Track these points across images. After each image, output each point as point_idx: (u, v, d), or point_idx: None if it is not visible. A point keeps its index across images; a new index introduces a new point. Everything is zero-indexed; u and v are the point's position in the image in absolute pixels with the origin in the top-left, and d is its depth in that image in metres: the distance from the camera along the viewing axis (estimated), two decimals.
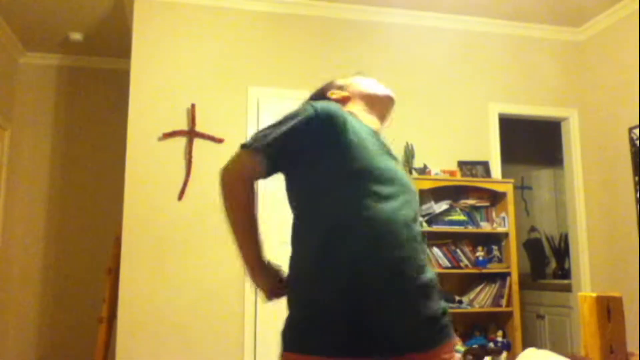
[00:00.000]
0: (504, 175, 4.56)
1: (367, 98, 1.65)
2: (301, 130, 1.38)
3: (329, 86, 1.72)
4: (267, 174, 1.42)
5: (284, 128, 1.39)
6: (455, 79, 4.61)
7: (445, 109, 4.54)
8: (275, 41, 4.31)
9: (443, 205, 4.19)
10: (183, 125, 4.05)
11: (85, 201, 5.11)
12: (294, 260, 1.42)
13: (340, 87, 1.69)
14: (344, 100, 1.63)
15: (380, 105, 1.68)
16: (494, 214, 4.33)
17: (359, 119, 1.53)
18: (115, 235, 4.02)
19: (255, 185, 1.44)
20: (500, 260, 4.27)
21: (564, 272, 5.31)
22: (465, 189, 4.32)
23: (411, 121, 4.43)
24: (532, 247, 5.71)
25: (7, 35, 4.74)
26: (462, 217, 4.24)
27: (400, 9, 4.48)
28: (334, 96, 1.65)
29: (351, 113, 1.52)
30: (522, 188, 5.86)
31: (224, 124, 4.12)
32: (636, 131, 4.26)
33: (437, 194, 4.19)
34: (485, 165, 4.46)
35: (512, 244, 4.22)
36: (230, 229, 1.43)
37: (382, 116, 1.68)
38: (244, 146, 1.42)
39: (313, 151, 1.38)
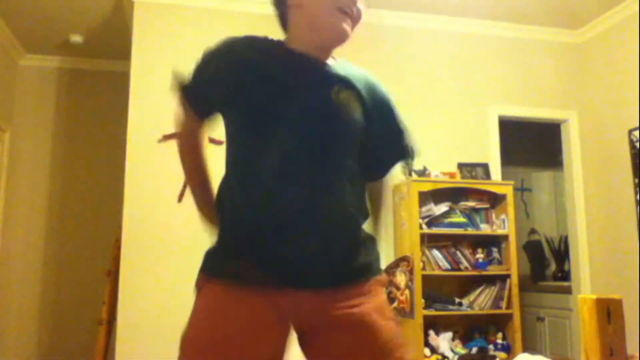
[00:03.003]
0: (503, 177, 4.56)
1: (309, 18, 1.42)
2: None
3: None
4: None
5: None
6: (455, 81, 4.61)
7: (445, 111, 4.54)
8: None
9: (443, 208, 4.19)
10: None
11: (85, 203, 5.11)
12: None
13: None
14: (292, 7, 1.47)
15: (322, 38, 1.42)
16: (493, 216, 4.32)
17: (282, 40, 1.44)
18: (115, 237, 4.02)
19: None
20: (500, 263, 4.26)
21: (564, 275, 5.31)
22: (465, 191, 4.31)
23: (411, 123, 4.40)
24: (532, 249, 5.71)
25: (7, 37, 4.74)
26: (461, 219, 4.24)
27: (400, 12, 4.48)
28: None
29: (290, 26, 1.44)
30: (522, 190, 5.87)
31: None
32: (636, 133, 4.26)
33: (437, 196, 4.18)
34: (485, 167, 4.46)
35: (512, 246, 4.22)
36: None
37: (321, 48, 1.44)
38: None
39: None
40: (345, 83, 1.41)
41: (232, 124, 1.43)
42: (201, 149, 1.64)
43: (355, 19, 1.45)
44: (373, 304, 1.34)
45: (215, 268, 1.39)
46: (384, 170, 1.56)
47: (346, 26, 1.40)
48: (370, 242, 1.43)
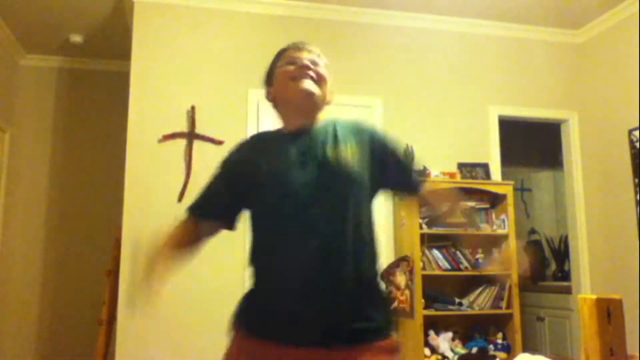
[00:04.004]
0: (503, 177, 4.56)
1: (281, 99, 1.56)
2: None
3: (272, 69, 1.64)
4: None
5: None
6: (455, 81, 4.61)
7: (445, 111, 4.54)
8: (275, 43, 4.27)
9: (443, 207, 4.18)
10: (183, 127, 4.05)
11: (85, 203, 5.11)
12: None
13: (270, 79, 1.62)
14: (273, 101, 1.62)
15: (295, 106, 1.53)
16: (493, 216, 4.32)
17: (275, 129, 1.59)
18: (115, 237, 4.02)
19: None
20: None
21: (564, 274, 5.31)
22: (465, 191, 4.31)
23: (411, 123, 4.43)
24: (532, 249, 5.71)
25: (7, 37, 4.74)
26: (462, 219, 4.23)
27: (399, 12, 4.48)
28: (266, 97, 1.65)
29: (278, 116, 1.60)
30: (522, 190, 5.87)
31: (224, 126, 4.12)
32: (636, 133, 4.26)
33: None
34: (485, 167, 4.46)
35: (512, 246, 4.22)
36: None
37: (303, 116, 1.53)
38: None
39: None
40: (333, 131, 1.51)
41: (249, 209, 1.57)
42: (185, 247, 1.76)
43: (319, 77, 1.53)
44: None
45: (243, 318, 1.51)
46: (401, 193, 1.68)
47: (306, 86, 1.49)
48: (383, 303, 1.49)
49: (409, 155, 1.66)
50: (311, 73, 1.51)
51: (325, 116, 1.58)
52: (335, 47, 4.40)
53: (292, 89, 1.50)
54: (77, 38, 4.80)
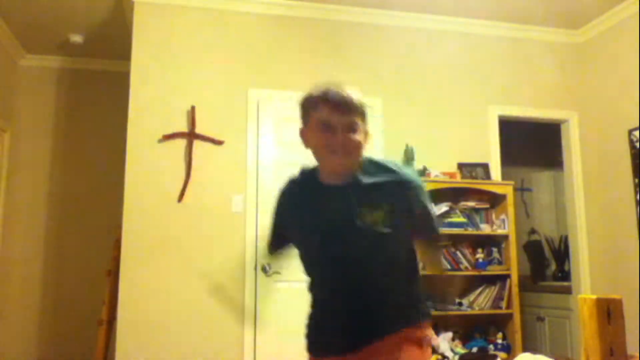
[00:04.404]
0: (503, 177, 4.56)
1: (316, 157, 1.66)
2: None
3: (306, 110, 1.66)
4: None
5: None
6: (455, 81, 4.61)
7: (445, 111, 4.54)
8: (275, 43, 4.32)
9: (443, 207, 4.19)
10: (183, 127, 4.05)
11: (85, 203, 5.11)
12: None
13: (305, 119, 1.67)
14: (306, 144, 1.70)
15: (328, 171, 1.64)
16: (493, 216, 4.33)
17: (311, 174, 1.72)
18: (115, 237, 4.02)
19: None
20: (500, 263, 4.27)
21: (564, 275, 5.31)
22: (465, 191, 4.31)
23: (411, 123, 4.43)
24: (532, 249, 5.71)
25: (7, 37, 4.74)
26: (462, 219, 4.24)
27: (400, 12, 4.48)
28: (300, 134, 1.71)
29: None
30: (522, 190, 5.86)
31: (224, 125, 4.12)
32: (636, 133, 4.26)
33: (437, 196, 4.18)
34: (485, 167, 4.46)
35: (512, 246, 4.22)
36: None
37: (334, 177, 1.63)
38: None
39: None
40: (366, 190, 1.61)
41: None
42: None
43: (353, 147, 1.59)
44: None
45: (307, 340, 1.76)
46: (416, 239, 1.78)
47: (339, 161, 1.59)
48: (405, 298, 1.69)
49: (426, 213, 1.75)
50: (347, 149, 1.57)
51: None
52: (334, 47, 4.40)
53: (326, 158, 1.60)
54: (77, 38, 4.80)
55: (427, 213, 1.72)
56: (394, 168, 1.64)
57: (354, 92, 1.60)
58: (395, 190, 1.61)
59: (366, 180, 1.61)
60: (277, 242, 1.87)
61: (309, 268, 1.72)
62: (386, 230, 1.57)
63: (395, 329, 1.62)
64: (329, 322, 1.68)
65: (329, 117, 1.56)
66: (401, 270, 1.67)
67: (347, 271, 1.62)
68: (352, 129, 1.57)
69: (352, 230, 1.58)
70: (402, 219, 1.61)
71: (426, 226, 1.74)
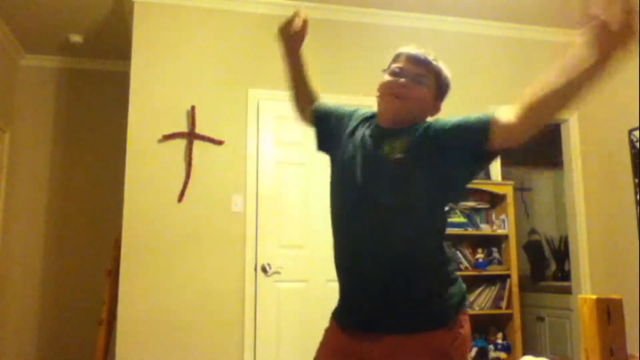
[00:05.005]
0: (503, 177, 4.56)
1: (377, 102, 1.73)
2: None
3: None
4: None
5: None
6: (455, 81, 4.57)
7: (444, 111, 4.52)
8: (275, 43, 4.30)
9: None
10: (183, 127, 4.05)
11: (85, 203, 5.11)
12: None
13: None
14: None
15: (379, 101, 1.71)
16: (493, 216, 4.33)
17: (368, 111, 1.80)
18: (115, 237, 4.02)
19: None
20: (500, 263, 4.27)
21: (564, 275, 5.31)
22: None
23: None
24: (532, 249, 5.71)
25: (7, 37, 4.74)
26: (461, 219, 4.24)
27: (399, 12, 4.48)
28: None
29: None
30: (522, 190, 5.86)
31: (224, 125, 4.12)
32: (636, 133, 4.26)
33: None
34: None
35: (512, 246, 4.22)
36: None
37: (381, 109, 1.69)
38: None
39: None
40: (406, 137, 1.58)
41: (330, 166, 1.78)
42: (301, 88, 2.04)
43: (403, 93, 1.63)
44: None
45: (335, 308, 1.68)
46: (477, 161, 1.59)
47: (389, 101, 1.65)
48: (439, 291, 1.56)
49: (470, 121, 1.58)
50: (404, 94, 1.63)
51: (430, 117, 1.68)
52: (334, 47, 4.40)
53: (382, 99, 1.68)
54: (77, 38, 4.80)
55: (466, 121, 1.56)
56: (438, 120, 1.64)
57: (438, 60, 1.73)
58: (421, 129, 1.60)
59: (415, 130, 1.59)
60: (319, 114, 1.87)
61: (332, 202, 1.68)
62: (400, 155, 1.53)
63: (417, 327, 1.48)
64: (345, 285, 1.62)
65: (403, 64, 1.69)
66: (425, 235, 1.55)
67: (361, 227, 1.55)
68: (419, 80, 1.65)
69: (373, 164, 1.58)
70: (429, 157, 1.52)
71: (464, 130, 1.53)
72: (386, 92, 1.65)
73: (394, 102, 1.63)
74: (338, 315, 1.64)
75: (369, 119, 1.75)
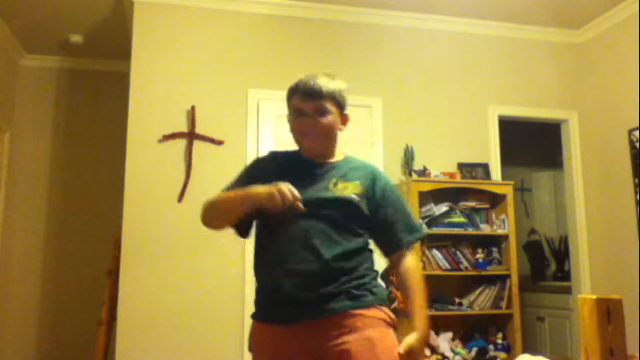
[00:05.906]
0: (503, 177, 4.56)
1: (295, 141, 1.86)
2: None
3: (289, 100, 1.86)
4: None
5: None
6: (455, 81, 4.61)
7: (445, 111, 4.54)
8: (275, 43, 4.32)
9: (443, 208, 4.19)
10: (183, 127, 4.05)
11: (85, 203, 5.11)
12: None
13: (289, 108, 1.87)
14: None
15: (305, 153, 1.84)
16: (493, 216, 4.32)
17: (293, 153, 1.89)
18: (115, 237, 4.02)
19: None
20: (500, 263, 4.26)
21: (564, 275, 5.31)
22: (465, 191, 4.31)
23: (411, 123, 4.43)
24: (532, 249, 5.71)
25: (7, 37, 4.74)
26: (461, 219, 4.24)
27: (399, 12, 4.48)
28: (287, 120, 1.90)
29: None
30: (522, 190, 5.87)
31: (224, 125, 4.12)
32: (636, 133, 4.26)
33: (437, 196, 4.18)
34: (485, 167, 4.46)
35: (512, 246, 4.22)
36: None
37: (304, 150, 1.83)
38: None
39: None
40: (343, 177, 1.78)
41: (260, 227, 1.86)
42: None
43: (323, 130, 1.78)
44: (358, 341, 1.61)
45: (255, 311, 1.79)
46: (397, 243, 1.82)
47: (310, 144, 1.81)
48: (363, 275, 1.72)
49: (409, 215, 1.87)
50: (316, 130, 1.77)
51: (341, 151, 1.87)
52: (334, 47, 4.40)
53: (301, 142, 1.82)
54: (77, 38, 4.80)
55: (405, 208, 1.83)
56: (373, 166, 1.89)
57: (325, 80, 1.78)
58: (370, 176, 1.80)
59: (345, 164, 1.82)
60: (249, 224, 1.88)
61: (267, 237, 1.75)
62: (355, 198, 1.71)
63: (343, 307, 1.64)
64: (274, 290, 1.68)
65: (300, 104, 1.77)
66: (360, 254, 1.72)
67: (306, 241, 1.66)
68: (321, 112, 1.76)
69: (322, 200, 1.70)
70: (372, 204, 1.76)
71: (407, 222, 1.81)
72: (301, 134, 1.79)
73: (314, 141, 1.78)
74: (276, 314, 1.69)
75: (287, 157, 1.87)
